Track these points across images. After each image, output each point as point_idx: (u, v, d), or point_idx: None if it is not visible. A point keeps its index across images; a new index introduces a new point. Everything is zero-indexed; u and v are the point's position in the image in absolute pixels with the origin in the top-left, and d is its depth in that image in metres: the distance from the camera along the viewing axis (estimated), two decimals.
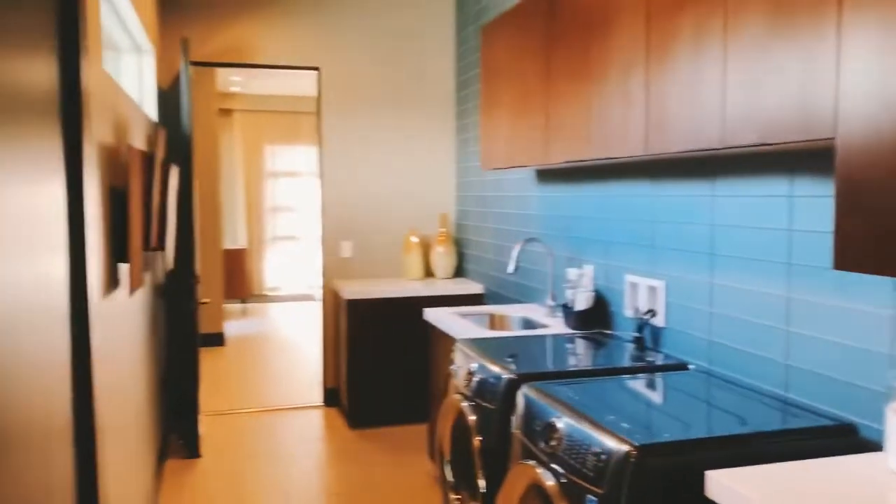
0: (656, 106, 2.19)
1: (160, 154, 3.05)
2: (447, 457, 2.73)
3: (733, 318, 2.33)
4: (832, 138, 1.55)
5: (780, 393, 2.11)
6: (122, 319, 2.70)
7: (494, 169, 3.57)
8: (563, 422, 1.89)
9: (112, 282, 2.47)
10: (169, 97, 4.78)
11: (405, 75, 5.06)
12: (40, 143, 0.88)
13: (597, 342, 2.85)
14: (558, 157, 2.87)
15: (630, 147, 2.34)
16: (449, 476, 2.73)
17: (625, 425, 1.77)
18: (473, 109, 4.76)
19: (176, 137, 4.64)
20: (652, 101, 2.21)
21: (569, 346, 2.80)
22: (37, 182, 0.85)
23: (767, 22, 1.73)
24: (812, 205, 2.02)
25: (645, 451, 1.64)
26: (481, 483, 2.37)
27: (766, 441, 1.75)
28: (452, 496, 2.71)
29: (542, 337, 2.94)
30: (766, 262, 2.18)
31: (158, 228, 3.19)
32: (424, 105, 5.10)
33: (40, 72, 0.89)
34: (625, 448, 1.65)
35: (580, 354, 2.69)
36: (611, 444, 1.69)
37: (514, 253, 3.37)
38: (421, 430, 4.56)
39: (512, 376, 2.31)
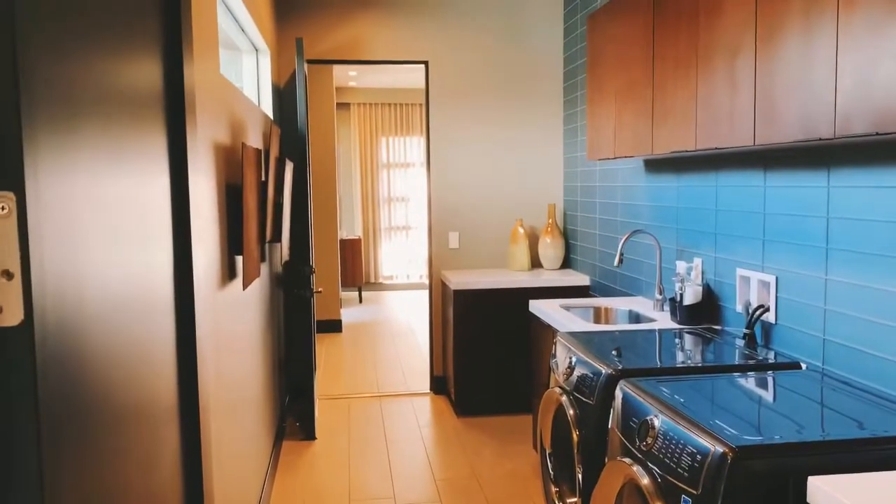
0: (764, 95, 2.10)
1: (274, 151, 3.20)
2: (549, 449, 2.74)
3: (850, 316, 2.20)
4: None
5: None
6: (239, 308, 2.87)
7: (600, 159, 3.52)
8: (659, 419, 1.86)
9: (229, 273, 2.63)
10: (286, 94, 5.00)
11: (512, 66, 5.05)
12: (148, 142, 0.95)
13: (704, 338, 2.76)
14: (664, 148, 2.79)
15: (737, 137, 2.26)
16: (550, 468, 2.74)
17: (725, 425, 1.72)
18: (581, 99, 4.69)
19: (292, 133, 4.85)
20: (760, 91, 2.12)
21: (674, 341, 2.73)
22: (147, 178, 0.93)
23: (883, 1, 1.62)
24: None
25: (743, 452, 1.59)
26: (579, 477, 2.37)
27: (882, 447, 1.66)
28: (552, 488, 2.71)
29: (647, 332, 2.89)
30: (888, 257, 2.05)
31: (274, 222, 3.36)
32: (531, 95, 5.08)
33: (147, 75, 0.97)
34: (721, 449, 1.61)
35: (686, 350, 2.63)
36: (707, 444, 1.65)
37: (619, 245, 3.31)
38: (526, 420, 4.58)
39: (611, 371, 2.29)
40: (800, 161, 2.44)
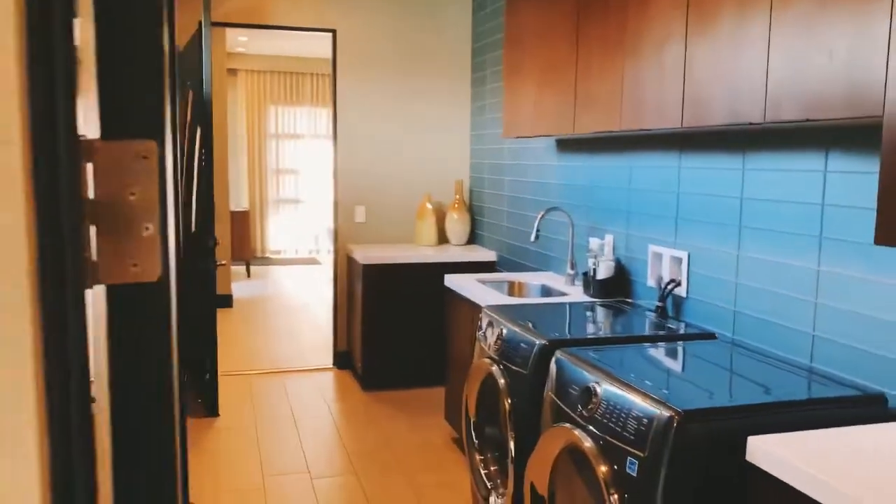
0: (695, 79, 2.22)
1: (188, 116, 3.06)
2: (473, 418, 2.80)
3: (760, 289, 2.38)
4: (880, 116, 1.59)
5: (805, 363, 2.18)
6: None
7: (518, 137, 3.59)
8: (601, 387, 1.95)
9: None
10: (185, 58, 4.76)
11: (421, 41, 5.04)
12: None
13: (622, 311, 2.91)
14: (587, 128, 2.89)
15: (666, 120, 2.37)
16: (474, 437, 2.80)
17: (665, 391, 1.83)
18: (491, 76, 4.75)
19: (195, 98, 4.63)
20: (690, 75, 2.24)
21: (594, 314, 2.86)
22: None
23: None
24: (847, 180, 2.06)
25: (688, 416, 1.70)
26: (511, 444, 2.44)
27: (802, 409, 1.82)
28: (477, 456, 2.78)
29: (568, 304, 3.00)
30: (797, 235, 2.23)
31: (186, 190, 3.22)
32: (440, 71, 5.09)
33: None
34: (668, 413, 1.71)
35: (607, 322, 2.75)
36: (653, 409, 1.75)
37: (536, 222, 3.41)
38: (435, 392, 4.64)
39: (544, 342, 2.37)
40: (717, 144, 2.59)
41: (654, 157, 2.96)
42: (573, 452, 2.02)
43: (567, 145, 3.74)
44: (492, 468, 2.75)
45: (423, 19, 5.02)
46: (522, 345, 2.47)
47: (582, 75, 2.92)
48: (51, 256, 0.39)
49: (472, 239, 5.11)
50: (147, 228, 0.50)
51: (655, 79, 2.42)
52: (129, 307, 0.51)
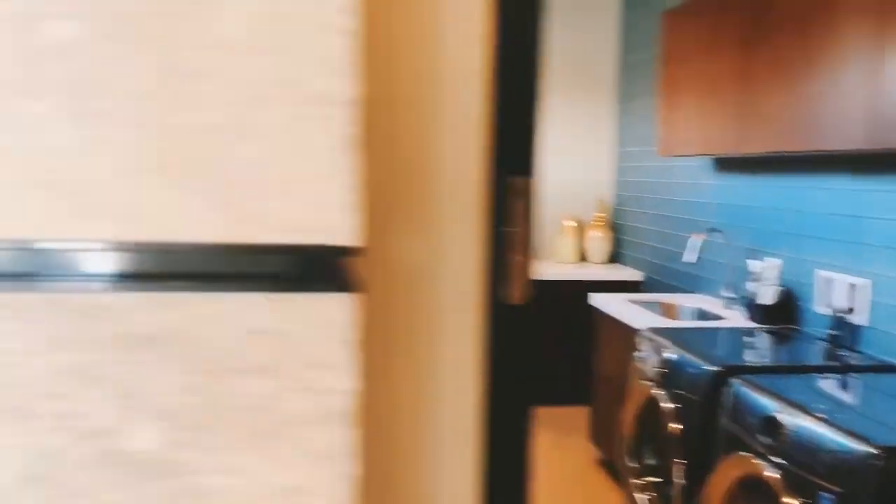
0: (883, 98, 2.11)
1: None
2: (631, 442, 2.77)
3: None
4: None
5: None
6: None
7: (676, 156, 3.53)
8: (786, 417, 1.89)
9: None
10: None
11: (566, 58, 5.05)
12: None
13: (789, 338, 2.79)
14: (756, 147, 2.81)
15: (848, 140, 2.27)
16: (633, 462, 2.77)
17: (860, 425, 1.75)
18: (640, 94, 4.70)
19: None
20: (878, 94, 2.13)
21: (762, 340, 2.76)
22: None
23: None
24: None
25: (890, 453, 1.62)
26: (677, 470, 2.40)
27: None
28: (635, 481, 2.75)
29: (732, 330, 2.92)
30: None
31: None
32: (585, 88, 5.08)
33: None
34: (869, 449, 1.63)
35: (778, 350, 2.66)
36: (851, 443, 1.68)
37: (697, 243, 3.34)
38: (575, 412, 4.59)
39: (717, 368, 2.31)
40: None
41: (824, 179, 2.83)
42: (750, 482, 1.97)
43: (726, 164, 3.64)
44: (648, 494, 2.70)
45: (567, 37, 5.04)
46: (690, 370, 2.42)
47: (749, 94, 2.85)
48: (492, 281, 0.44)
49: (615, 258, 5.05)
50: (520, 257, 0.54)
51: (837, 98, 2.32)
52: (505, 323, 0.56)
